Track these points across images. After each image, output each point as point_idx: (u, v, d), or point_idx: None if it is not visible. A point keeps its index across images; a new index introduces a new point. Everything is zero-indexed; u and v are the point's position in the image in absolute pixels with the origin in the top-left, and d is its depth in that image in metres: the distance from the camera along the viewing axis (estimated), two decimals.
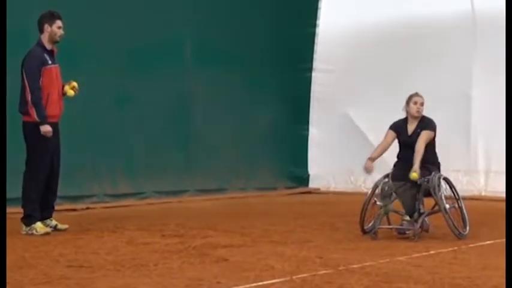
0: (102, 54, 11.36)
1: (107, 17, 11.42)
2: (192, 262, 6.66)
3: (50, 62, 8.37)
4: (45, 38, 8.43)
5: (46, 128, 8.23)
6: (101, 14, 11.35)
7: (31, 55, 8.35)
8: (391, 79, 13.61)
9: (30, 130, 8.31)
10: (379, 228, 8.20)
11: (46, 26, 8.40)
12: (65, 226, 8.60)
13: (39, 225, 8.29)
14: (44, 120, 8.23)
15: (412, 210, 8.27)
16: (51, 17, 8.43)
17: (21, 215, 8.40)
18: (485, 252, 7.37)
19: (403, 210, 8.40)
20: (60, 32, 8.44)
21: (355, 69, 14.18)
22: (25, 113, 8.30)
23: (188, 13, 12.73)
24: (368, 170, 8.50)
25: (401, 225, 8.36)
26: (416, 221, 8.18)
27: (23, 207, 8.41)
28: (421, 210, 8.22)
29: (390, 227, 8.37)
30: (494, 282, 5.84)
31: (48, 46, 8.43)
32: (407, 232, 8.26)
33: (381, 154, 8.54)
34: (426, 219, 8.31)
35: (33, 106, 8.20)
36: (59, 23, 8.43)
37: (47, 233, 8.24)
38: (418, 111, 8.45)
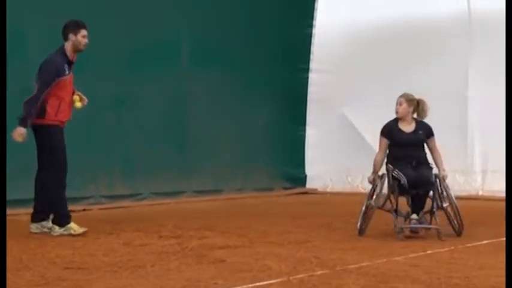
0: (100, 54, 11.31)
1: (105, 18, 11.39)
2: (189, 263, 6.66)
3: (67, 72, 8.27)
4: (68, 47, 8.34)
5: (20, 131, 8.08)
6: (99, 14, 11.31)
7: (50, 62, 8.23)
8: (387, 79, 13.61)
9: (45, 132, 8.24)
10: (404, 227, 8.21)
11: (71, 35, 8.32)
12: None
13: (74, 226, 8.31)
14: (24, 121, 8.08)
15: (421, 209, 8.33)
16: (75, 26, 8.34)
17: (52, 217, 8.37)
18: (483, 252, 7.37)
19: (398, 211, 8.41)
20: (85, 41, 8.36)
21: (352, 70, 14.19)
22: (38, 115, 8.18)
23: (186, 14, 12.73)
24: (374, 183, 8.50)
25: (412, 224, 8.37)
26: (430, 219, 8.30)
27: (52, 210, 8.37)
28: (434, 209, 8.28)
29: (409, 226, 8.32)
30: (492, 281, 5.83)
31: (70, 55, 8.35)
32: (419, 231, 8.34)
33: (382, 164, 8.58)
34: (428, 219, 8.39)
35: (26, 103, 8.08)
36: (83, 32, 8.35)
37: (85, 232, 8.27)
38: (396, 112, 8.58)
